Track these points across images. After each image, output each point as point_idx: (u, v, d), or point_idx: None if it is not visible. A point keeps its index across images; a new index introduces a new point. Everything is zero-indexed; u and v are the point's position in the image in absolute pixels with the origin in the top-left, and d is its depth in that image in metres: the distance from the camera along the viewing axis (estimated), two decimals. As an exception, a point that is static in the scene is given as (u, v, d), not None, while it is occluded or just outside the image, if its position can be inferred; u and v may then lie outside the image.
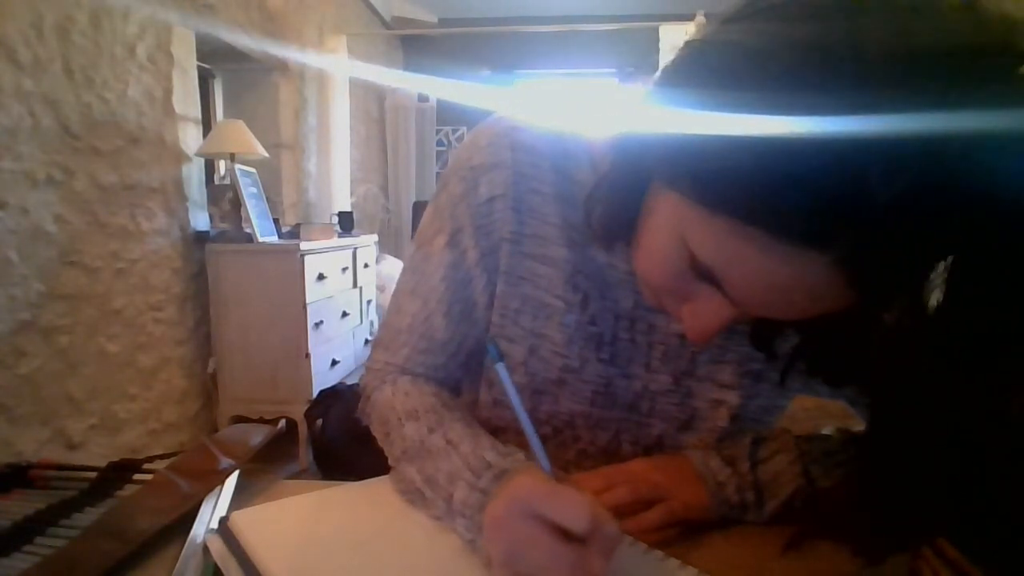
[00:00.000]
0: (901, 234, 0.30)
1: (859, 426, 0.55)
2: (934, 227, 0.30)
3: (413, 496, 0.49)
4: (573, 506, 0.36)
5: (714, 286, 0.38)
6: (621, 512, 0.44)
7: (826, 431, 0.55)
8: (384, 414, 0.55)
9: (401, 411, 0.53)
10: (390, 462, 0.54)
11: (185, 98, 2.24)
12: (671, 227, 0.39)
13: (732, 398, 0.55)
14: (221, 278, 2.30)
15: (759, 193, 0.32)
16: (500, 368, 0.39)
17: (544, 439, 0.50)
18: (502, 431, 0.58)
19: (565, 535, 0.36)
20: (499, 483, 0.42)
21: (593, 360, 0.54)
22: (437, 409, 0.52)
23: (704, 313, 0.40)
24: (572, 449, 0.58)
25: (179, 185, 2.21)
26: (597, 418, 0.56)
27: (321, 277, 2.43)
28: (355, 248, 2.85)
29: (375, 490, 0.53)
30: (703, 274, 0.38)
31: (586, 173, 0.52)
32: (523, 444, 0.46)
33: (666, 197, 0.39)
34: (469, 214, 0.54)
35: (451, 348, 0.57)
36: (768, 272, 0.34)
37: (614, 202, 0.45)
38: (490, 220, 0.54)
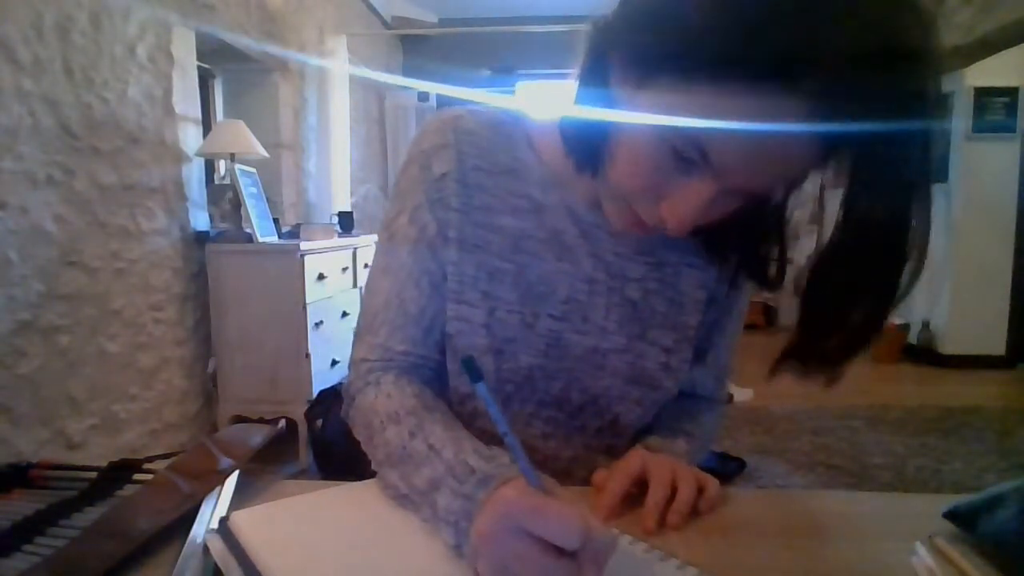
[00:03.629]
0: (858, 80, 0.35)
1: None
2: (882, 81, 0.36)
3: (399, 501, 0.49)
4: (563, 521, 0.35)
5: (694, 168, 0.43)
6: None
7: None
8: (367, 418, 0.56)
9: (383, 414, 0.54)
10: (373, 466, 0.54)
11: (185, 98, 2.24)
12: (651, 121, 0.43)
13: (675, 361, 0.62)
14: (221, 278, 2.30)
15: (731, 48, 0.37)
16: (481, 388, 0.38)
17: (508, 395, 0.59)
18: (480, 417, 0.60)
19: (556, 550, 0.35)
20: (484, 489, 0.41)
21: (544, 316, 0.59)
22: (418, 412, 0.53)
23: (686, 198, 0.45)
24: (531, 401, 0.62)
25: (179, 185, 2.21)
26: (552, 369, 0.60)
27: (321, 277, 2.43)
28: (355, 248, 2.85)
29: (375, 490, 0.53)
30: (685, 153, 0.42)
31: (524, 151, 0.60)
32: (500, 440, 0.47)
33: (642, 96, 0.43)
34: (424, 190, 0.60)
35: (426, 321, 0.60)
36: (747, 120, 0.39)
37: (587, 124, 0.49)
38: (443, 194, 0.59)
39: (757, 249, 0.55)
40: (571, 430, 0.63)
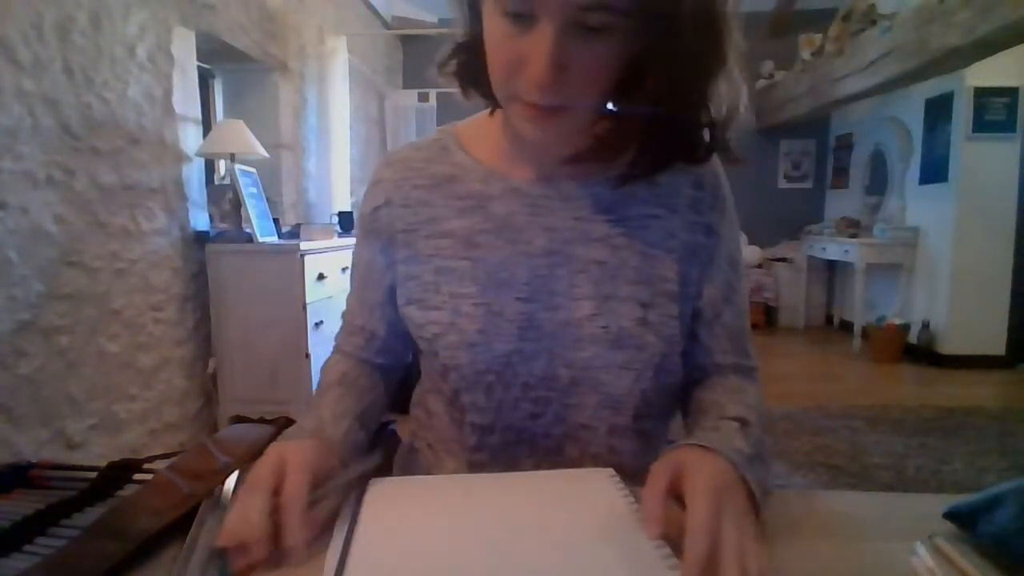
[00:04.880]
0: None
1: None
2: None
3: None
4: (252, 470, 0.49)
5: (530, 20, 0.48)
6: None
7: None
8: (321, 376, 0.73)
9: (318, 383, 0.71)
10: None
11: (185, 98, 2.24)
12: (490, 10, 0.51)
13: (653, 316, 0.61)
14: (221, 278, 2.30)
15: None
16: None
17: (489, 384, 0.62)
18: (467, 412, 0.64)
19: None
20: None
21: (510, 301, 0.61)
22: (331, 385, 0.67)
23: (538, 43, 0.49)
24: (515, 385, 0.62)
25: (179, 185, 2.21)
26: (530, 350, 0.61)
27: (321, 277, 2.43)
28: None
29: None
30: (515, 7, 0.48)
31: (459, 155, 0.66)
32: (490, 430, 0.62)
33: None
34: (361, 225, 0.70)
35: (366, 333, 0.73)
36: None
37: (461, 52, 0.60)
38: (377, 225, 0.67)
39: (674, 125, 0.56)
40: (564, 407, 0.62)
